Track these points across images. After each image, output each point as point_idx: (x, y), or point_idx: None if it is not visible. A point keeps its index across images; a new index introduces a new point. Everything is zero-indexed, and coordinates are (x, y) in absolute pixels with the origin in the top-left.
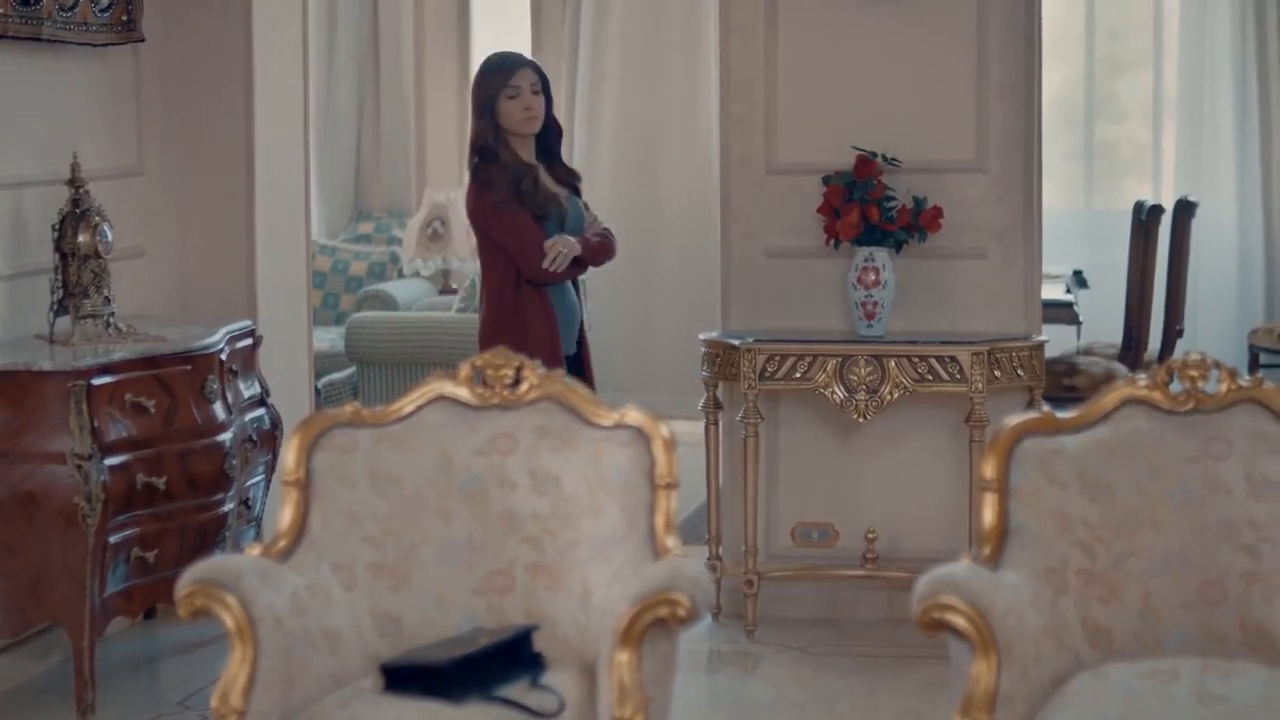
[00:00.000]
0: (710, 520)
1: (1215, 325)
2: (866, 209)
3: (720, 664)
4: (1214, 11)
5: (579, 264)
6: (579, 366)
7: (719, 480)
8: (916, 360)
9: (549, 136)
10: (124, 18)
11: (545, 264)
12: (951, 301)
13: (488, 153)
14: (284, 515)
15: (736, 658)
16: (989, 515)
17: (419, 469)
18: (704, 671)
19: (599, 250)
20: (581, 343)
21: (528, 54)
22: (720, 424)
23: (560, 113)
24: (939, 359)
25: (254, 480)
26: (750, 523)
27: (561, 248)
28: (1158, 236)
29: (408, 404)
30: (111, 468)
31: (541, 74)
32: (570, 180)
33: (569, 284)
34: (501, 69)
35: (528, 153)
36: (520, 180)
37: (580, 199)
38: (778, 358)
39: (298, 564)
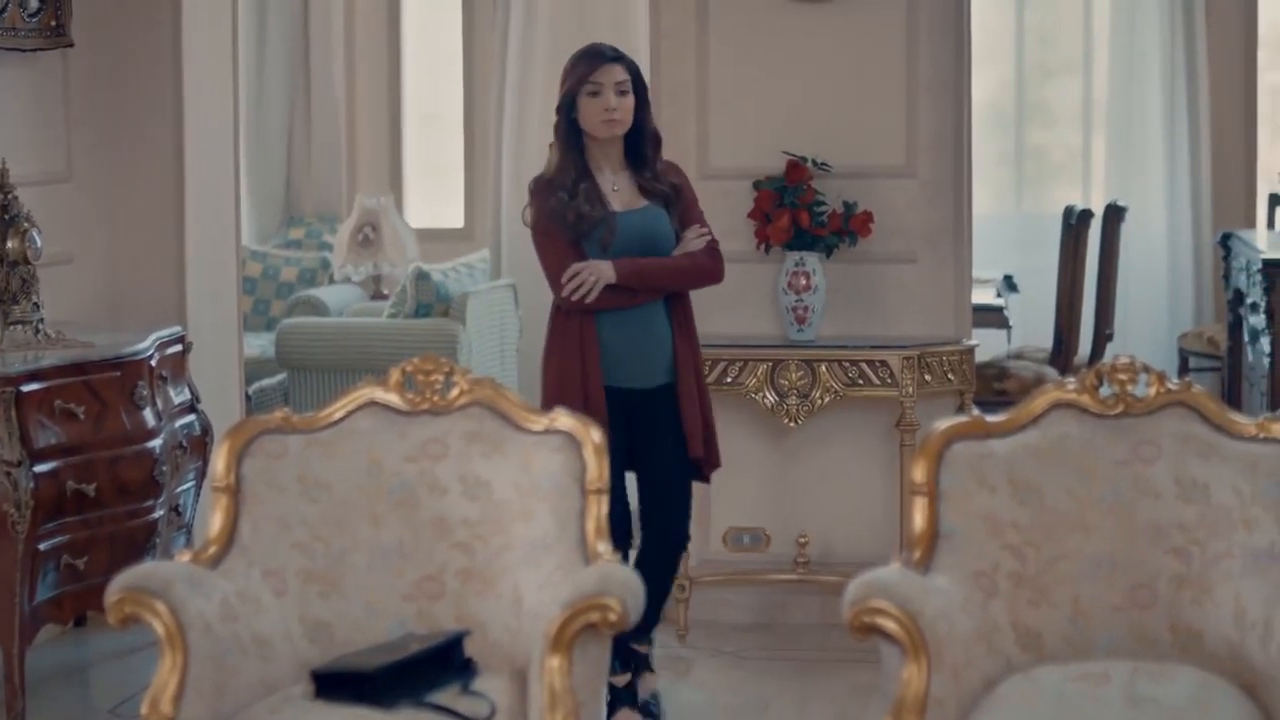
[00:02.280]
0: (640, 525)
1: (1146, 329)
2: (797, 214)
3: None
4: (1143, 17)
5: (623, 292)
6: (667, 399)
7: None
8: (847, 365)
9: (640, 140)
10: (52, 23)
11: (565, 293)
12: (882, 306)
13: (553, 158)
14: (214, 521)
15: (669, 662)
16: (919, 519)
17: (349, 475)
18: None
19: (670, 274)
20: (680, 373)
21: (458, 61)
22: None
23: (489, 119)
24: (870, 363)
25: (184, 486)
26: None
27: (588, 275)
28: (1087, 241)
29: (338, 410)
30: (41, 474)
31: (634, 71)
32: (658, 191)
33: (643, 311)
34: (584, 60)
35: (610, 158)
36: (553, 195)
37: (671, 212)
38: (709, 362)
39: (228, 570)
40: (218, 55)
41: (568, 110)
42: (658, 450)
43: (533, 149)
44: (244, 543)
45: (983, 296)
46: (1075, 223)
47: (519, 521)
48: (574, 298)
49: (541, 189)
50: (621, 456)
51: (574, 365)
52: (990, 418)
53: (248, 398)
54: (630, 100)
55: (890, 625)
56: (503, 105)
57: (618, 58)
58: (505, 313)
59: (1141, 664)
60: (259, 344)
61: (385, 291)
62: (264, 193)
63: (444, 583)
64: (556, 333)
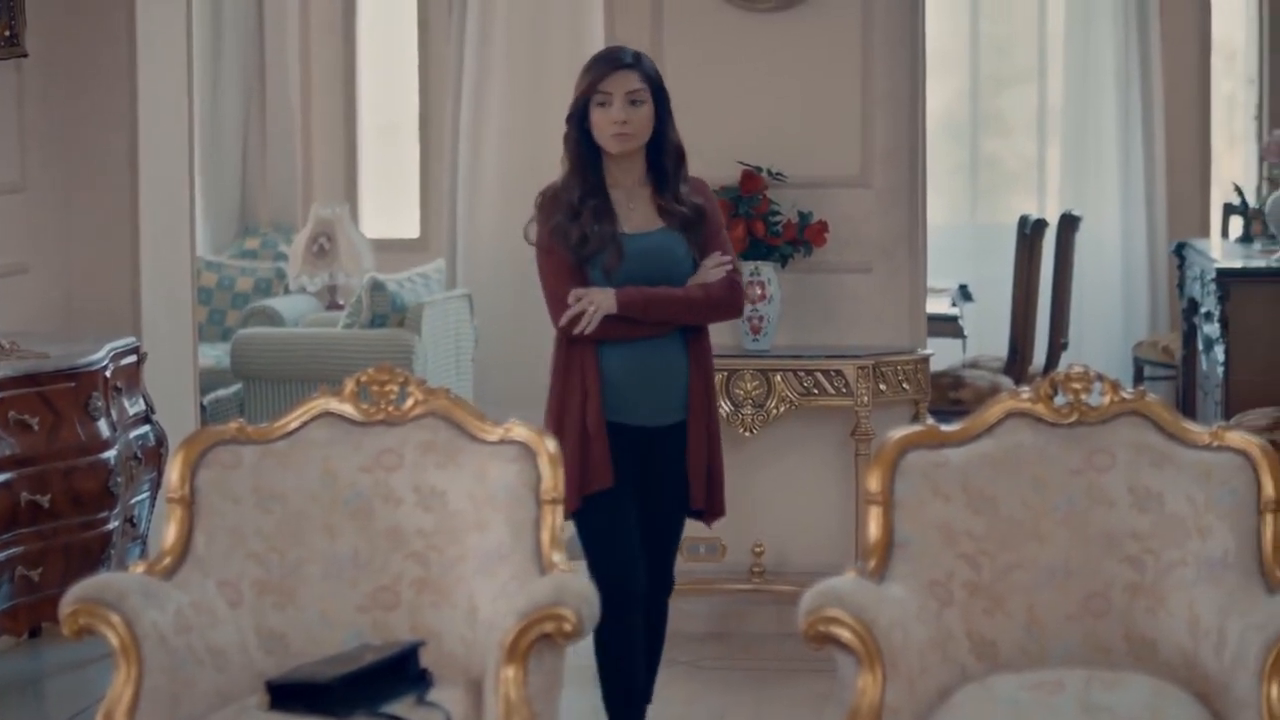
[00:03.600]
0: None
1: (1100, 338)
2: (752, 224)
3: None
4: (1097, 27)
5: (625, 322)
6: (681, 439)
7: None
8: (802, 374)
9: (660, 155)
10: (7, 33)
11: (562, 321)
12: (837, 316)
13: (564, 175)
14: (168, 532)
15: None
16: (874, 528)
17: (304, 485)
18: (591, 686)
19: (678, 306)
20: (691, 414)
21: (414, 70)
22: None
23: (445, 128)
24: (825, 373)
25: (139, 498)
26: None
27: (587, 304)
28: (1042, 250)
29: (292, 420)
30: None
31: (652, 77)
32: (676, 212)
33: (655, 343)
34: (594, 66)
35: (629, 174)
36: (558, 211)
37: (690, 237)
38: None
39: (182, 582)
40: (172, 65)
41: (579, 120)
42: (661, 492)
43: (489, 159)
44: (199, 554)
45: (938, 306)
46: (1030, 232)
47: (474, 532)
48: (571, 327)
49: (547, 204)
50: (630, 499)
51: (575, 399)
52: (945, 427)
53: (203, 408)
54: (646, 111)
55: (845, 634)
56: (459, 115)
57: (632, 64)
58: (461, 323)
59: (1096, 672)
60: (214, 354)
61: (340, 302)
62: (219, 203)
63: (399, 593)
64: (559, 363)
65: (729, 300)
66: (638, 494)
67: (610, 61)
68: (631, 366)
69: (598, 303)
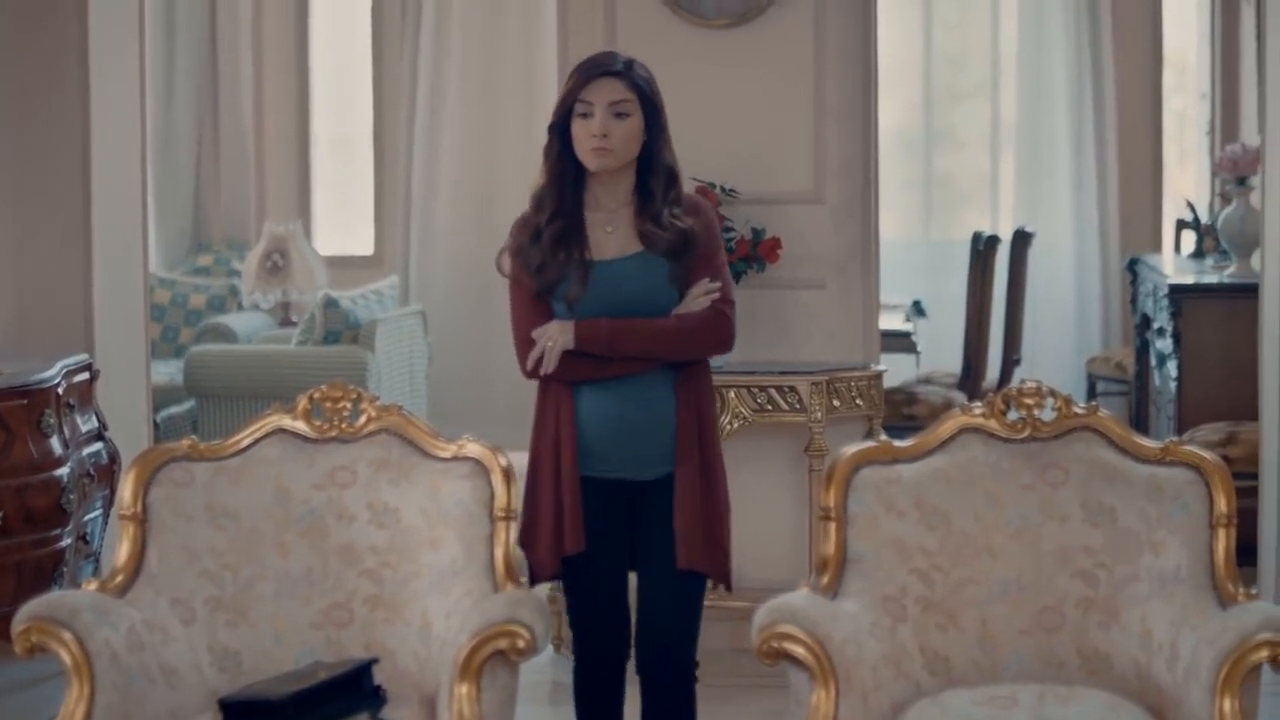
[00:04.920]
0: None
1: (1054, 354)
2: None
3: (562, 695)
4: (1050, 43)
5: (590, 359)
6: (663, 495)
7: None
8: (756, 390)
9: (647, 173)
10: None
11: (528, 365)
12: (790, 332)
13: (538, 191)
14: (121, 550)
15: None
16: (828, 544)
17: (257, 502)
18: (546, 703)
19: (649, 338)
20: (679, 462)
21: (368, 87)
22: None
23: (398, 147)
24: (778, 389)
25: (92, 515)
26: None
27: (545, 340)
28: (995, 266)
29: (245, 437)
30: None
31: (642, 87)
32: (657, 236)
33: (637, 383)
34: (576, 73)
35: (614, 194)
36: (523, 235)
37: (676, 263)
38: None
39: (135, 599)
40: (125, 81)
41: (560, 132)
42: (654, 555)
43: (443, 175)
44: (151, 571)
45: (891, 322)
46: (983, 248)
47: (427, 549)
48: (543, 369)
49: (517, 230)
50: (613, 558)
51: (547, 449)
52: (898, 442)
53: (156, 425)
54: (631, 125)
55: (798, 650)
56: (412, 132)
57: (620, 71)
58: (415, 339)
59: (1049, 687)
60: (167, 371)
61: (294, 319)
62: (172, 219)
63: (352, 610)
64: (538, 409)
65: (709, 331)
66: (630, 557)
67: (594, 67)
68: (606, 412)
69: (553, 337)
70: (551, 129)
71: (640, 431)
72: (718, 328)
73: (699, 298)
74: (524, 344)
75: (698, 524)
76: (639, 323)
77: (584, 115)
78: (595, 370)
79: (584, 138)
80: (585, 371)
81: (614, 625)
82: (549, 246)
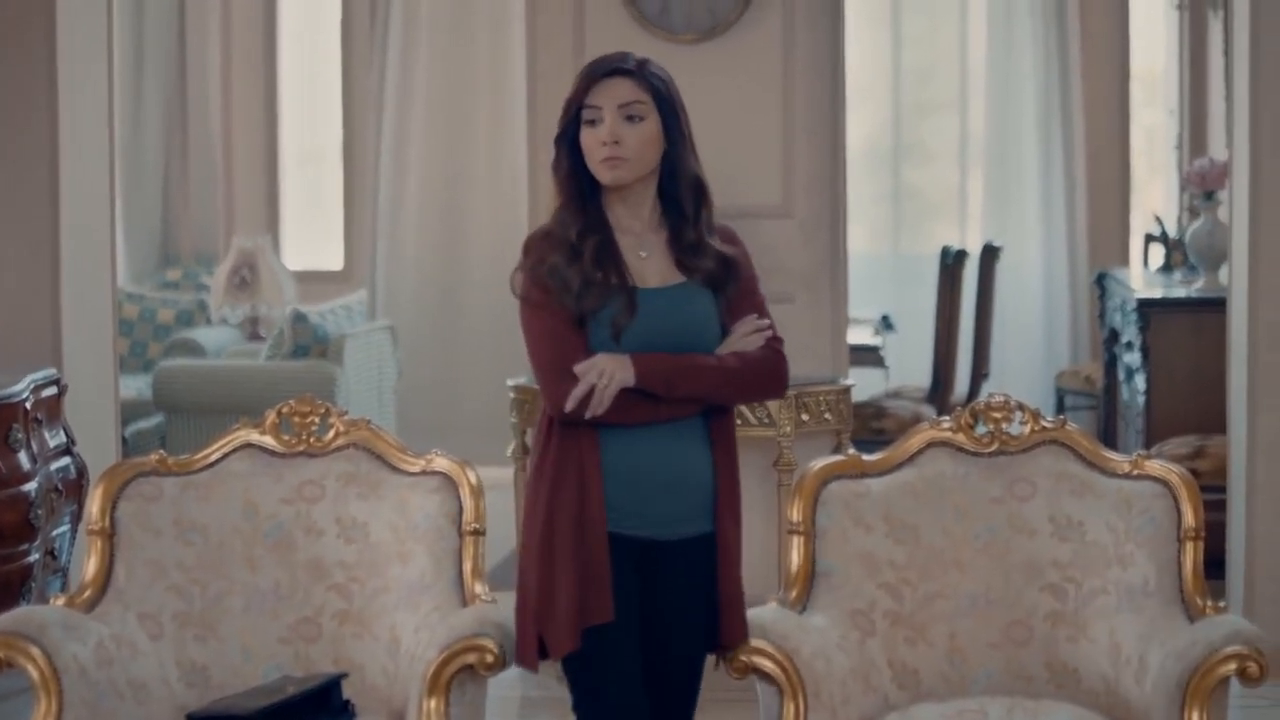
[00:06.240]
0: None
1: (1024, 368)
2: None
3: (531, 710)
4: (1018, 57)
5: (644, 400)
6: (700, 556)
7: None
8: None
9: (673, 186)
10: None
11: (570, 405)
12: None
13: (557, 212)
14: (89, 565)
15: (548, 704)
16: (796, 558)
17: (225, 517)
18: (515, 718)
19: (713, 379)
20: (720, 522)
21: (337, 102)
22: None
23: (367, 161)
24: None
25: (60, 530)
26: None
27: (594, 377)
28: (963, 280)
29: (213, 452)
30: None
31: (658, 87)
32: (700, 265)
33: (668, 430)
34: (582, 75)
35: (636, 211)
36: (550, 253)
37: (719, 295)
38: None
39: (103, 614)
40: (93, 95)
41: (569, 144)
42: (681, 624)
43: (412, 190)
44: (119, 586)
45: (860, 336)
46: (952, 262)
47: (396, 563)
48: (580, 410)
49: (535, 245)
50: (633, 629)
51: (568, 501)
52: (866, 457)
53: (124, 440)
54: (645, 130)
55: (767, 664)
56: (380, 146)
57: (631, 69)
58: (383, 354)
59: (1018, 700)
60: (136, 386)
61: (262, 333)
62: (140, 234)
63: (321, 625)
64: (548, 452)
65: (769, 374)
66: (641, 627)
67: (601, 66)
68: (636, 462)
69: (608, 373)
70: (558, 141)
71: (673, 485)
72: (778, 371)
73: (748, 335)
74: (556, 376)
75: (737, 593)
76: (698, 360)
77: (592, 122)
78: (648, 413)
79: (594, 147)
80: (636, 414)
81: (634, 708)
82: (590, 265)
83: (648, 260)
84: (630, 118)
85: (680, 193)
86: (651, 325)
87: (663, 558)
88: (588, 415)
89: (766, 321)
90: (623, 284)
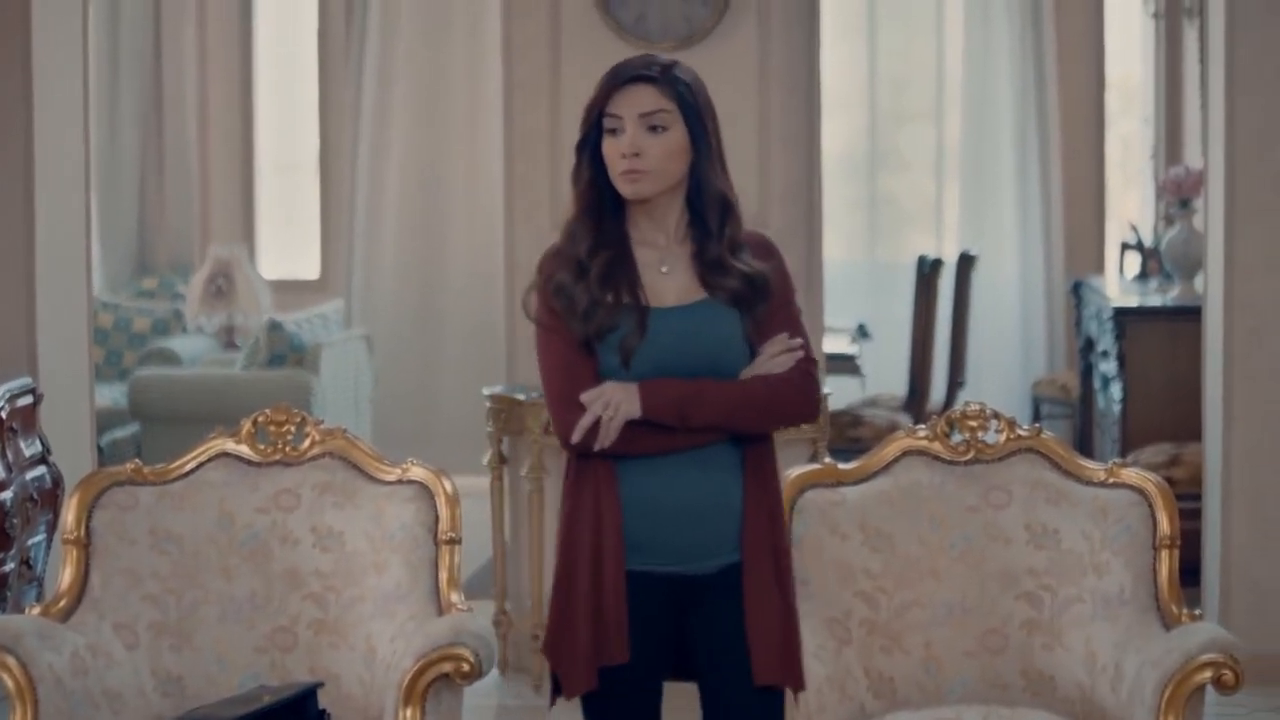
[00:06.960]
0: (496, 575)
1: (1000, 377)
2: None
3: (508, 719)
4: (995, 65)
5: (655, 430)
6: (733, 588)
7: (505, 535)
8: None
9: (699, 199)
10: None
11: (575, 438)
12: None
13: (569, 224)
14: (64, 574)
15: (524, 713)
16: None
17: (200, 527)
18: None
19: (730, 406)
20: (747, 554)
21: (313, 110)
22: (505, 478)
23: (344, 170)
24: None
25: (35, 539)
26: (536, 577)
27: (599, 408)
28: (939, 288)
29: (189, 461)
30: None
31: (684, 93)
32: (723, 283)
33: (695, 458)
34: (603, 82)
35: (661, 225)
36: (560, 271)
37: (747, 313)
38: None
39: (78, 624)
40: (68, 103)
41: (591, 152)
42: (724, 664)
43: (389, 199)
44: (95, 595)
45: (836, 344)
46: (928, 271)
47: (371, 572)
48: (587, 443)
49: (547, 264)
50: (654, 670)
51: (584, 534)
52: (842, 465)
53: (100, 449)
54: (670, 140)
55: None
56: (357, 155)
57: (655, 76)
58: (359, 363)
59: (994, 709)
60: (111, 395)
61: (238, 342)
62: (116, 242)
63: (296, 634)
64: (570, 485)
65: (797, 399)
66: (683, 667)
67: (623, 72)
68: (658, 493)
69: (613, 403)
70: (579, 149)
71: (700, 517)
72: (807, 394)
73: (778, 356)
74: (565, 405)
75: (774, 627)
76: (714, 386)
77: (613, 131)
78: (659, 445)
79: (614, 158)
80: (648, 445)
81: None
82: (597, 283)
83: (669, 276)
84: (653, 128)
85: (705, 208)
86: (665, 346)
87: (695, 592)
88: (596, 448)
89: (798, 341)
90: (634, 303)
